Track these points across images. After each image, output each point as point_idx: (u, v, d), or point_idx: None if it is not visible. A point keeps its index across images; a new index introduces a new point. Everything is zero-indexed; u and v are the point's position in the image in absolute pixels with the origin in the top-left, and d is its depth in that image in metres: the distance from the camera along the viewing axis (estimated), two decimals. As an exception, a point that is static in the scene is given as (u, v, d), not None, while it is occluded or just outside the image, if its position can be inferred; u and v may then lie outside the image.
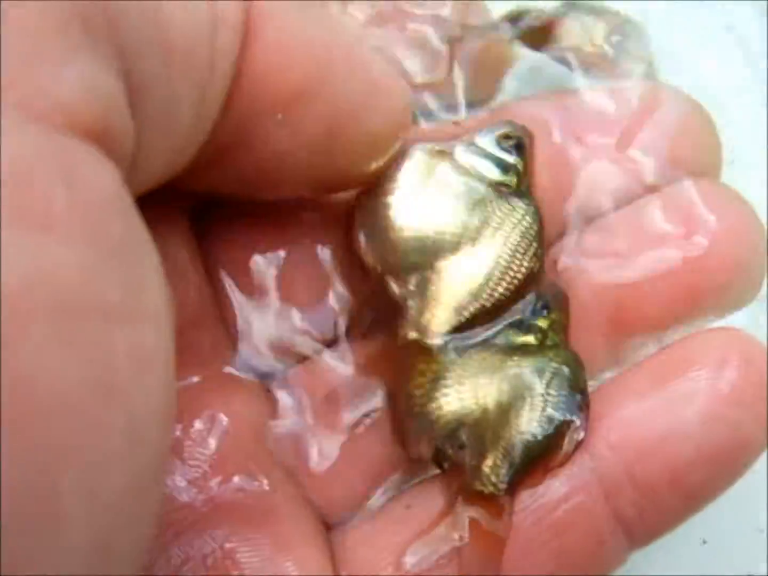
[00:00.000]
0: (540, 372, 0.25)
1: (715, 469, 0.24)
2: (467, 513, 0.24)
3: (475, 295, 0.25)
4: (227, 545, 0.23)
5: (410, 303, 0.25)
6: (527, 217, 0.25)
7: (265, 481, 0.24)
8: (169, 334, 0.17)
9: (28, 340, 0.14)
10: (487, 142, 0.26)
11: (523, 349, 0.25)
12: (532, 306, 0.25)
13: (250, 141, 0.21)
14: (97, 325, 0.15)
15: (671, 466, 0.24)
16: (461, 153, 0.26)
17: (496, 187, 0.26)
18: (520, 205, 0.25)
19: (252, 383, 0.26)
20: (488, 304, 0.25)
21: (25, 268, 0.14)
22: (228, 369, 0.25)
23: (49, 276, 0.14)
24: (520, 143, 0.26)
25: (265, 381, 0.26)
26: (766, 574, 0.32)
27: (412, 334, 0.25)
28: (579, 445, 0.24)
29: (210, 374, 0.25)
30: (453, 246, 0.25)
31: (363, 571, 0.24)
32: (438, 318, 0.25)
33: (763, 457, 0.24)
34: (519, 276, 0.25)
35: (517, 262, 0.25)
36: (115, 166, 0.17)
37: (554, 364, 0.25)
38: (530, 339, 0.25)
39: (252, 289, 0.26)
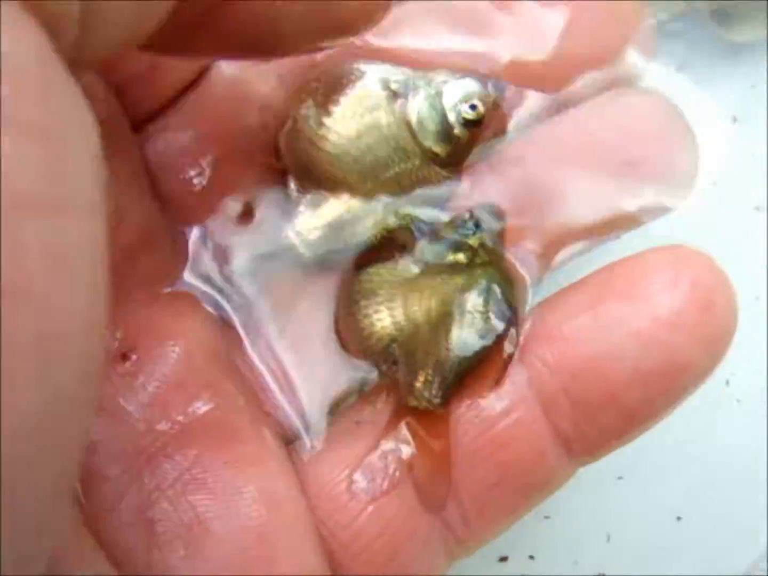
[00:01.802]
0: (467, 289, 0.25)
1: (652, 391, 0.23)
2: (407, 428, 0.25)
3: None
4: (195, 468, 0.23)
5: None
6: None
7: (228, 402, 0.24)
8: (101, 230, 0.15)
9: None
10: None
11: (454, 267, 0.25)
12: (464, 225, 0.25)
13: None
14: (5, 218, 0.13)
15: (607, 386, 0.23)
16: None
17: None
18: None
19: (202, 305, 0.25)
20: None
21: None
22: (179, 287, 0.25)
23: None
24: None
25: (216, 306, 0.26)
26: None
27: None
28: (510, 359, 0.24)
29: (161, 295, 0.25)
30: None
31: (320, 486, 0.24)
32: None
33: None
34: None
35: None
36: (39, 27, 0.14)
37: (482, 281, 0.25)
38: (460, 257, 0.25)
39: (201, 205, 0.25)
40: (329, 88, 0.25)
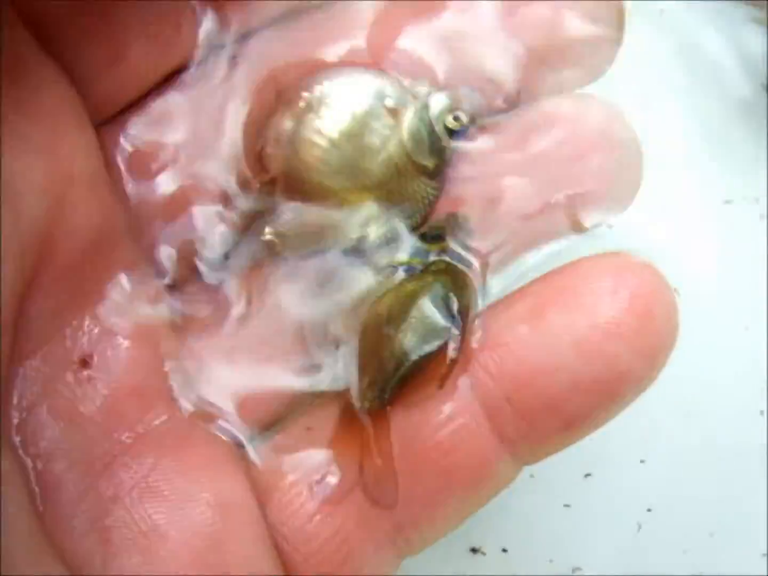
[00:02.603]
0: (417, 295, 0.25)
1: (591, 399, 0.23)
2: (352, 428, 0.25)
3: None
4: (151, 477, 0.23)
5: None
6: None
7: (180, 412, 0.25)
8: None
9: None
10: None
11: (409, 273, 0.26)
12: (426, 233, 0.26)
13: None
14: None
15: (547, 395, 0.24)
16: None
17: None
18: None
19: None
20: None
21: None
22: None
23: None
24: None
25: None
26: None
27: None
28: (453, 365, 0.24)
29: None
30: None
31: (272, 491, 0.25)
32: None
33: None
34: None
35: None
36: None
37: (433, 288, 0.25)
38: (415, 261, 0.26)
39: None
40: (323, 96, 0.25)
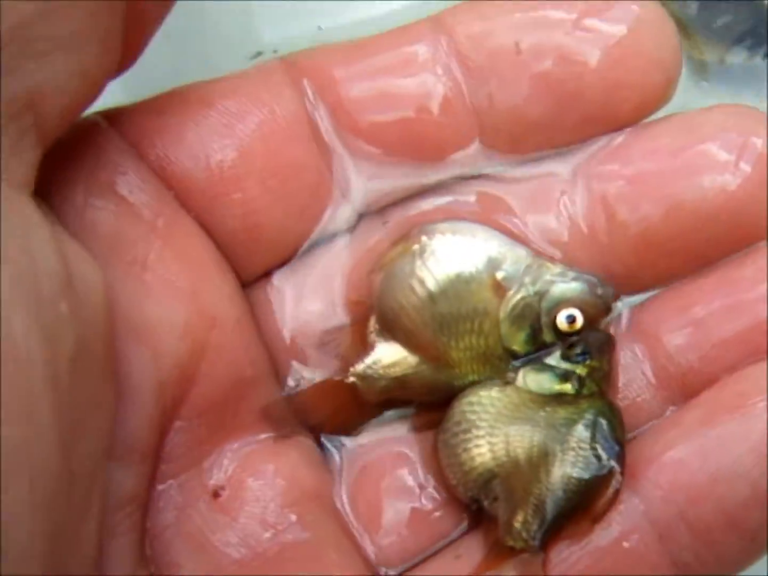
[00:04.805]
0: (574, 424, 0.24)
1: None
2: (501, 568, 0.24)
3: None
4: None
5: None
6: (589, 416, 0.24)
7: (316, 535, 0.24)
8: None
9: None
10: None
11: (559, 398, 0.24)
12: (572, 352, 0.24)
13: None
14: None
15: (726, 507, 0.22)
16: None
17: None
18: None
19: (302, 444, 0.25)
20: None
21: None
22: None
23: None
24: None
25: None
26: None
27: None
28: (615, 499, 0.23)
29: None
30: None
31: None
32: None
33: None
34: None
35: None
36: None
37: (589, 416, 0.24)
38: (567, 387, 0.24)
39: None
40: (436, 243, 0.24)
